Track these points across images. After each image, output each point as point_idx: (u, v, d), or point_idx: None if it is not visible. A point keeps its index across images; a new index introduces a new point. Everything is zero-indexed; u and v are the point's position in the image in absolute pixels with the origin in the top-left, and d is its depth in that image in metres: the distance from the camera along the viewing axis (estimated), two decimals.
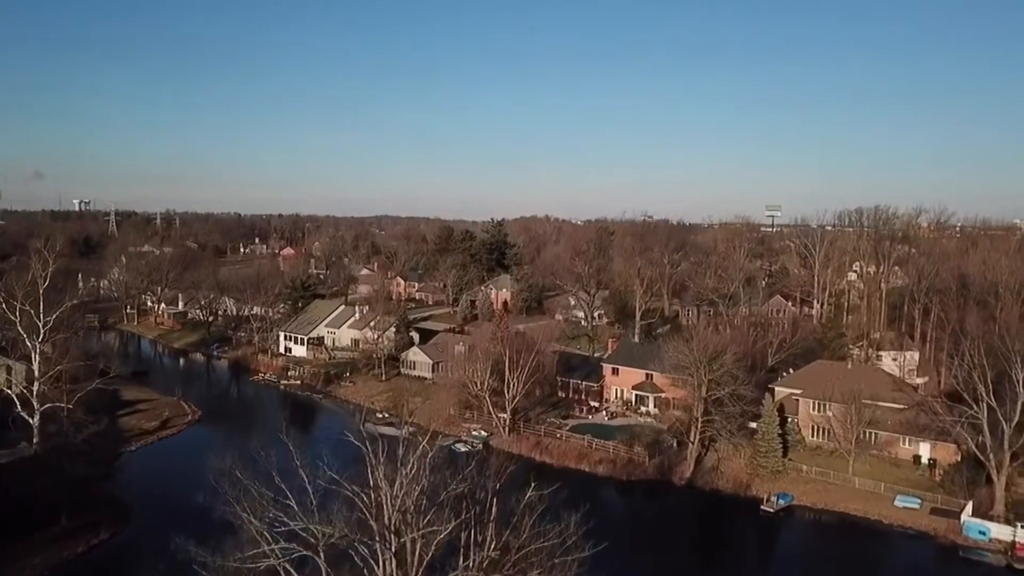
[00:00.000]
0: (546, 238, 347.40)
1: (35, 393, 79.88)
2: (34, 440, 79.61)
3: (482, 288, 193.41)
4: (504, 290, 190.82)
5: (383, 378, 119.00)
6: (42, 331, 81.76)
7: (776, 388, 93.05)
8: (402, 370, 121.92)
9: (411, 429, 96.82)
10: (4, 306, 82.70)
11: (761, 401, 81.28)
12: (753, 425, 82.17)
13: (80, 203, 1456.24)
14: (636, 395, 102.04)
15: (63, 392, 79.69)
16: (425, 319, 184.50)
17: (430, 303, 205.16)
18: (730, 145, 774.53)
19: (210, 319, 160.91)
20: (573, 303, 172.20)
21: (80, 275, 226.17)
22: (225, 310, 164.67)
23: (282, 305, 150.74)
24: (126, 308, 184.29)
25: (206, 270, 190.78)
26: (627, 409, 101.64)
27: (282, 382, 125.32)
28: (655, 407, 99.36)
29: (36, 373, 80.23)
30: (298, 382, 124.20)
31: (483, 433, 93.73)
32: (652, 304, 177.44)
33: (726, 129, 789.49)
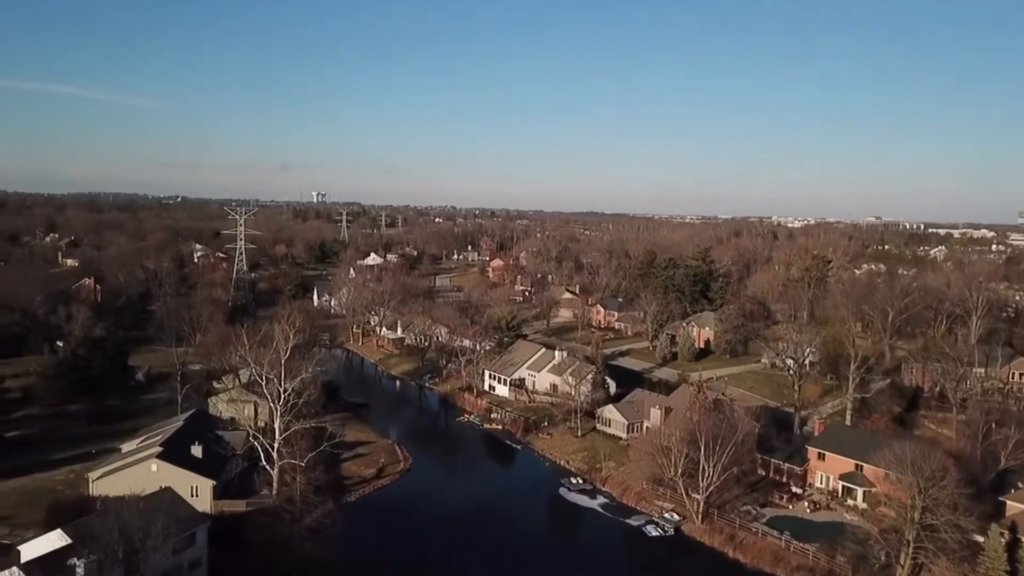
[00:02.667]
0: (756, 254, 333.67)
1: (276, 449, 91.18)
2: (273, 491, 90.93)
3: (683, 324, 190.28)
4: (707, 328, 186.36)
5: (578, 433, 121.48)
6: (282, 396, 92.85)
7: (1009, 502, 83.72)
8: (598, 425, 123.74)
9: (604, 500, 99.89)
10: (254, 371, 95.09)
11: (990, 514, 73.63)
12: (980, 539, 74.68)
13: (317, 195, 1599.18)
14: (843, 486, 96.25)
15: (298, 451, 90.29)
16: (623, 353, 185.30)
17: (629, 334, 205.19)
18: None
19: (425, 347, 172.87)
20: (781, 347, 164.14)
21: (315, 291, 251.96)
22: (438, 338, 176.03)
23: (488, 343, 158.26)
24: (352, 328, 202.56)
25: (421, 300, 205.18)
26: (832, 500, 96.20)
27: (485, 424, 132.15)
28: (864, 501, 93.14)
29: (277, 433, 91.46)
30: (499, 427, 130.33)
31: (675, 516, 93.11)
32: (869, 340, 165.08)
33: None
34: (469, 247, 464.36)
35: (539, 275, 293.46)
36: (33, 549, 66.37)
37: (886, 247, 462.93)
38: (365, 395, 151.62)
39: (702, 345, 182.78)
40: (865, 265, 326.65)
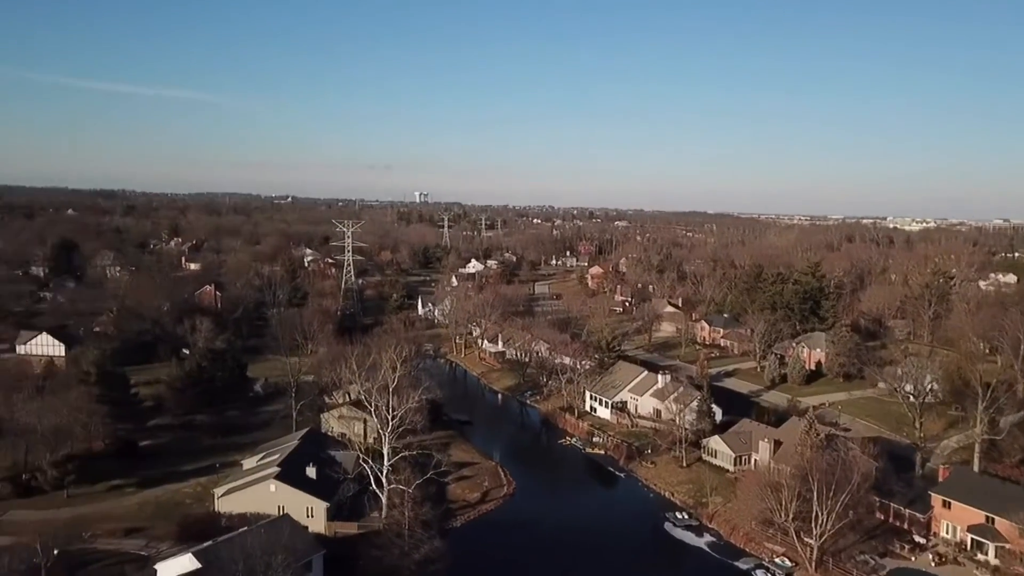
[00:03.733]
0: (871, 264, 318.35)
1: (384, 474, 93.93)
2: (383, 513, 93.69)
3: (793, 344, 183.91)
4: (818, 349, 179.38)
5: (683, 463, 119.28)
6: (390, 424, 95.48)
7: None
8: (703, 456, 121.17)
9: (711, 538, 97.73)
10: (365, 399, 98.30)
11: None
12: None
13: (420, 195, 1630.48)
14: (972, 539, 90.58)
15: (405, 477, 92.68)
16: (729, 374, 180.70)
17: (735, 352, 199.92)
18: None
19: (525, 363, 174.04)
20: (900, 372, 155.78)
21: (419, 300, 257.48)
22: (538, 354, 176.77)
23: (588, 362, 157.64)
24: (455, 339, 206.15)
25: (521, 313, 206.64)
26: (960, 553, 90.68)
27: (586, 448, 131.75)
28: (996, 558, 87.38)
29: (386, 459, 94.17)
30: (601, 452, 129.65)
31: (787, 562, 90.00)
32: (999, 364, 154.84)
33: None
34: (567, 252, 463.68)
35: (639, 285, 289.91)
36: (167, 570, 70.94)
37: (1016, 254, 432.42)
38: (468, 411, 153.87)
39: (812, 367, 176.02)
40: (993, 275, 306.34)
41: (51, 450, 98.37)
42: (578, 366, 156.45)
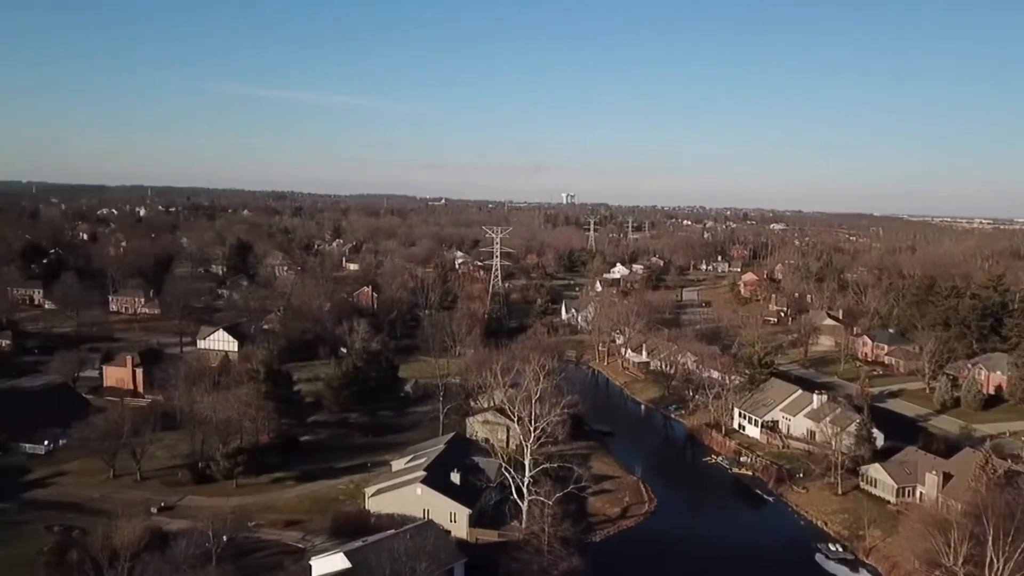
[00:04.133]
0: None
1: (526, 485, 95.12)
2: (523, 523, 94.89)
3: (969, 365, 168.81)
4: (998, 372, 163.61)
5: (838, 491, 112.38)
6: (532, 435, 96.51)
7: None
8: (861, 484, 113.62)
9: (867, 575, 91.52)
10: (508, 408, 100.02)
11: None
12: None
13: (567, 196, 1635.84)
14: None
15: (546, 489, 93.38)
16: (893, 395, 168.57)
17: (901, 371, 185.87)
18: None
19: (670, 374, 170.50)
20: None
21: (563, 305, 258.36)
22: (684, 365, 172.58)
23: (737, 377, 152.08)
24: (598, 346, 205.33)
25: (666, 322, 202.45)
26: None
27: (733, 468, 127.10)
28: None
29: (527, 471, 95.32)
30: (749, 473, 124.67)
31: None
32: None
33: None
34: (719, 256, 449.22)
35: (796, 294, 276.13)
36: (321, 566, 75.37)
37: None
38: (610, 421, 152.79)
39: (991, 392, 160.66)
40: None
41: (224, 442, 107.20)
42: (727, 381, 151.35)
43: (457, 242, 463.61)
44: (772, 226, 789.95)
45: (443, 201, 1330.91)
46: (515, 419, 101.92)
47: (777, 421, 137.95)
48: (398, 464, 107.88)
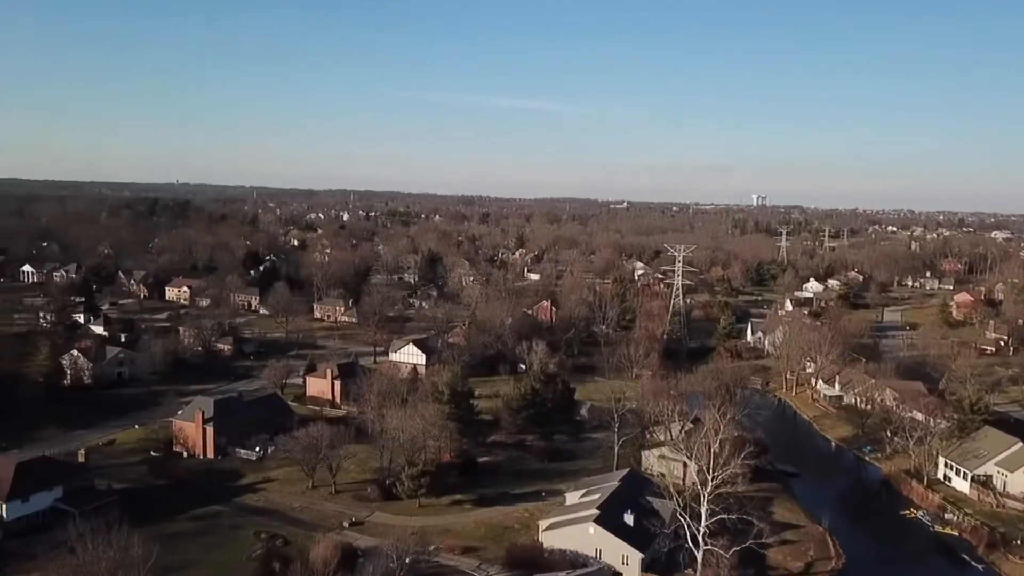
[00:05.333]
0: None
1: (701, 534, 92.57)
2: (697, 574, 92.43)
3: None
4: None
5: None
6: (710, 483, 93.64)
7: None
8: None
9: None
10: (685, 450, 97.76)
11: None
12: None
13: (757, 198, 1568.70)
14: None
15: (723, 543, 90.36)
16: None
17: None
18: None
19: (866, 411, 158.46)
20: None
21: (749, 326, 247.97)
22: (882, 401, 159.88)
23: (944, 421, 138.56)
24: (786, 374, 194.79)
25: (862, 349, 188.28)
26: None
27: (935, 526, 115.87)
28: None
29: (703, 519, 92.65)
30: (954, 533, 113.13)
31: None
32: None
33: None
34: (927, 272, 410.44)
35: (1020, 321, 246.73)
36: None
37: None
38: (796, 459, 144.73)
39: None
40: None
41: (409, 461, 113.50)
42: (932, 424, 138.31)
43: (638, 251, 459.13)
44: (993, 234, 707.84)
45: (625, 204, 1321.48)
46: (691, 462, 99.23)
47: (991, 476, 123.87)
48: (572, 497, 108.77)
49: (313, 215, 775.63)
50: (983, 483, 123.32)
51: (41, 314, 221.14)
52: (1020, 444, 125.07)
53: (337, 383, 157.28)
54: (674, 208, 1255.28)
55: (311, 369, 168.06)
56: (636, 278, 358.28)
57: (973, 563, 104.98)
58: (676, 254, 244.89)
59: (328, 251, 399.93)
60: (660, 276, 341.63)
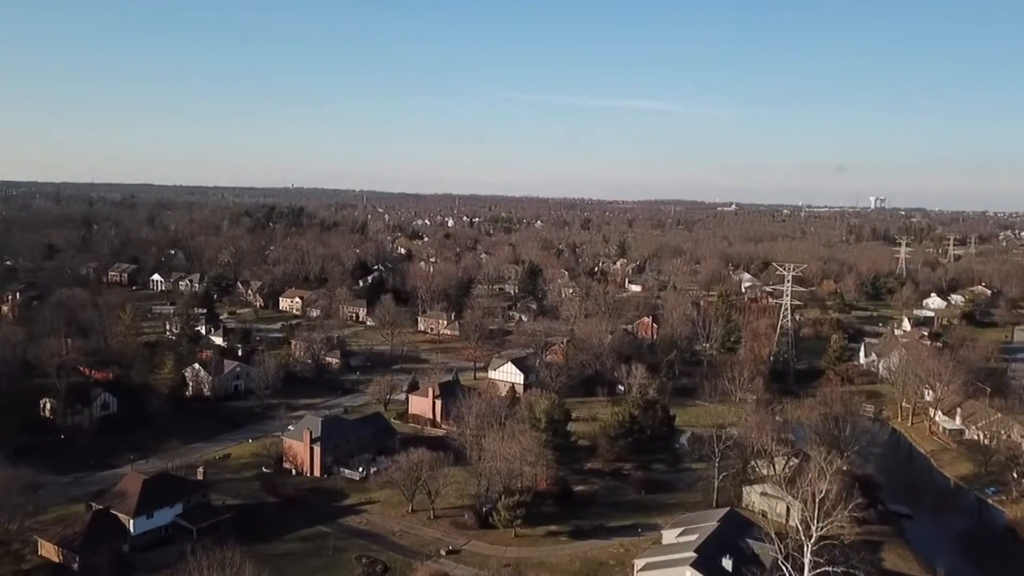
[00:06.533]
0: None
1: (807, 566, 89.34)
2: None
3: None
4: None
5: None
6: (813, 536, 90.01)
7: None
8: None
9: None
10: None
11: None
12: None
13: (876, 200, 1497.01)
14: None
15: None
16: None
17: None
18: None
19: (991, 448, 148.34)
20: None
21: (862, 347, 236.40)
22: (1008, 437, 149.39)
23: None
24: (901, 403, 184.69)
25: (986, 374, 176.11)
26: None
27: None
28: None
29: (806, 570, 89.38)
30: None
31: None
32: None
33: None
34: None
35: None
36: None
37: None
38: (910, 498, 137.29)
39: None
40: None
41: (506, 489, 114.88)
42: None
43: (746, 261, 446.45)
44: None
45: (733, 207, 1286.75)
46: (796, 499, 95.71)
47: None
48: (669, 536, 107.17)
49: (419, 221, 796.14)
50: None
51: (167, 324, 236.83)
52: None
53: (438, 402, 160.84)
54: (785, 211, 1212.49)
55: (413, 387, 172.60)
56: (743, 290, 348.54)
57: None
58: (786, 273, 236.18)
59: (433, 260, 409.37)
60: (769, 291, 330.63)
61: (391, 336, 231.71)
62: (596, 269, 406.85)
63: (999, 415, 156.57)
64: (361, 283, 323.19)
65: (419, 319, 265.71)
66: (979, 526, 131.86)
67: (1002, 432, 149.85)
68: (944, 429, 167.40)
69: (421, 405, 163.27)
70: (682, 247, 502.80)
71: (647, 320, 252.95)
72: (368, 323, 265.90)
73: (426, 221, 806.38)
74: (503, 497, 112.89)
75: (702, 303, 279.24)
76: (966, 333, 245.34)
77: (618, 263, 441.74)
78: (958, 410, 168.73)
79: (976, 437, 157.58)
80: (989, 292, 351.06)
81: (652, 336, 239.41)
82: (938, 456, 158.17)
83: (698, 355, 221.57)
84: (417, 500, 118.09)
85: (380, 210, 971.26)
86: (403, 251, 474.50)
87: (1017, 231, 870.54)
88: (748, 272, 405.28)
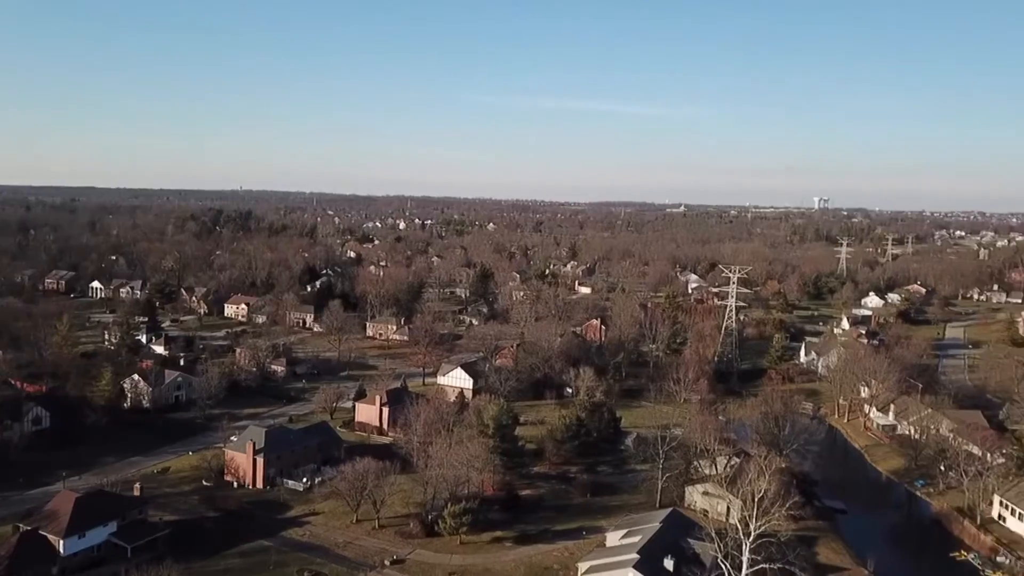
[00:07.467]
0: None
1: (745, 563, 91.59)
2: None
3: None
4: None
5: None
6: (753, 533, 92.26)
7: None
8: None
9: None
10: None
11: None
12: None
13: (819, 200, 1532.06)
14: None
15: None
16: None
17: None
18: None
19: (920, 443, 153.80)
20: None
21: (802, 347, 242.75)
22: (936, 431, 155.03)
23: (1000, 457, 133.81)
24: (838, 400, 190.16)
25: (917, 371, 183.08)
26: None
27: (986, 570, 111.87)
28: None
29: (744, 568, 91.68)
30: None
31: None
32: None
33: None
34: (995, 285, 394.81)
35: None
36: None
37: None
38: (844, 493, 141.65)
39: None
40: None
41: (452, 497, 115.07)
42: (989, 459, 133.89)
43: (693, 263, 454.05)
44: None
45: (682, 208, 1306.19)
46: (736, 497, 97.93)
47: None
48: (613, 538, 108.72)
49: (371, 224, 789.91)
50: None
51: (106, 333, 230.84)
52: None
53: (385, 410, 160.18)
54: (732, 212, 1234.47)
55: (361, 395, 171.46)
56: (690, 291, 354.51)
57: None
58: (731, 275, 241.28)
59: (383, 264, 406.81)
60: (714, 291, 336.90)
61: (339, 343, 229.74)
62: (547, 272, 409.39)
63: (929, 410, 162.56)
64: (309, 288, 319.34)
65: (368, 325, 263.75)
66: (908, 518, 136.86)
67: (931, 427, 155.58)
68: (878, 425, 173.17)
69: (368, 413, 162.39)
70: (631, 249, 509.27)
71: (596, 322, 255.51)
72: (316, 329, 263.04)
73: (377, 224, 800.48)
74: (449, 504, 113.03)
75: (650, 305, 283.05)
76: (901, 331, 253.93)
77: (569, 265, 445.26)
78: (892, 406, 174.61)
79: (908, 432, 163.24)
80: (924, 291, 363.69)
81: (600, 338, 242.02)
82: (872, 451, 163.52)
83: (645, 356, 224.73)
84: (362, 510, 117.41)
85: (330, 213, 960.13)
86: (353, 255, 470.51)
87: (952, 231, 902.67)
88: (695, 273, 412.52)
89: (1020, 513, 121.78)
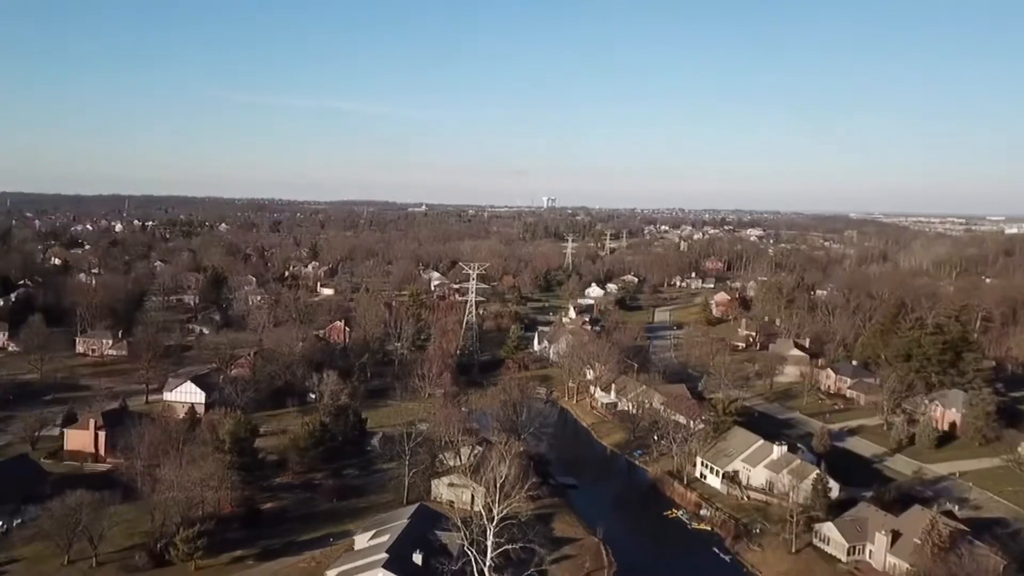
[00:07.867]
0: None
1: (487, 568, 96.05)
2: None
3: (926, 401, 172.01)
4: (952, 409, 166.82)
5: (792, 548, 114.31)
6: (495, 519, 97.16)
7: None
8: (814, 541, 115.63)
9: None
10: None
11: None
12: None
13: (548, 200, 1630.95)
14: None
15: (509, 570, 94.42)
16: (852, 431, 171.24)
17: (861, 404, 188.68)
18: None
19: (637, 417, 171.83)
20: None
21: (536, 336, 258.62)
22: (650, 405, 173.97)
23: (700, 422, 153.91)
24: (568, 383, 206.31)
25: (634, 353, 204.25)
26: None
27: (693, 524, 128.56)
28: None
29: (490, 552, 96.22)
30: (708, 528, 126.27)
31: None
32: None
33: None
34: (693, 272, 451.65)
35: (766, 318, 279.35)
36: None
37: None
38: (575, 470, 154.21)
39: (945, 428, 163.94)
40: None
41: (184, 521, 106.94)
42: (692, 426, 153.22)
43: (435, 260, 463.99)
44: (748, 232, 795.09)
45: (423, 208, 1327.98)
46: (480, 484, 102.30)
47: (738, 471, 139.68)
48: (361, 540, 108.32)
49: (80, 227, 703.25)
50: (731, 479, 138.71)
51: None
52: (762, 441, 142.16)
53: (101, 434, 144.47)
54: (471, 211, 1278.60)
55: (70, 420, 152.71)
56: (433, 289, 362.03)
57: (722, 555, 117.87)
58: (471, 272, 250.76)
59: (96, 272, 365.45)
60: (456, 287, 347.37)
61: (40, 363, 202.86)
62: (287, 274, 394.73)
63: (644, 387, 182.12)
64: (2, 303, 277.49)
65: (78, 340, 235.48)
66: (629, 486, 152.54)
67: (646, 402, 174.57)
68: (602, 404, 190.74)
69: (81, 439, 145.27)
70: (375, 248, 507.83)
71: (339, 324, 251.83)
72: (11, 349, 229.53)
73: (88, 227, 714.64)
74: (181, 529, 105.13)
75: (394, 303, 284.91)
76: (619, 317, 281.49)
77: (310, 266, 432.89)
78: (613, 386, 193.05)
79: (627, 408, 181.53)
80: (636, 280, 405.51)
81: (345, 340, 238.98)
82: (597, 428, 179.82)
83: (391, 355, 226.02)
84: (76, 549, 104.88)
85: (29, 215, 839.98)
86: (58, 262, 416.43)
87: (658, 226, 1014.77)
88: (437, 271, 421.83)
89: (716, 470, 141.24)
